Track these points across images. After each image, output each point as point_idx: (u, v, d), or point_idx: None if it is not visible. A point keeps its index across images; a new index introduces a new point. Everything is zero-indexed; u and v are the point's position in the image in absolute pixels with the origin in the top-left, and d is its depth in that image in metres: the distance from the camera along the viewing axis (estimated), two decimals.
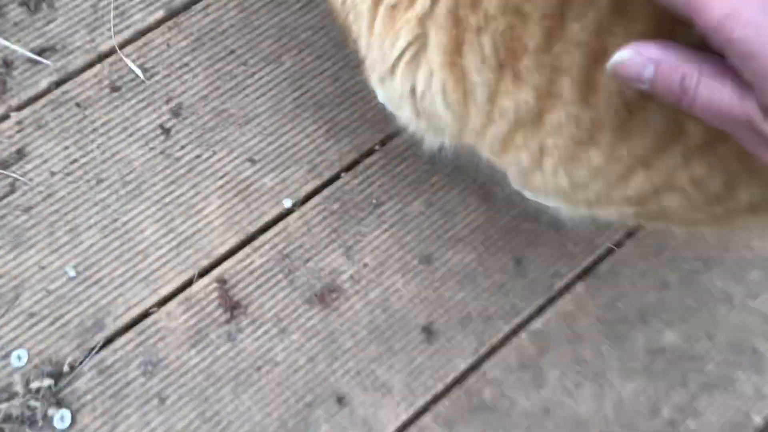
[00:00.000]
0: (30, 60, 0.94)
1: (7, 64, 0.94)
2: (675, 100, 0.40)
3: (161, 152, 0.95)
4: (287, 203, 0.95)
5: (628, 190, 0.56)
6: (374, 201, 0.96)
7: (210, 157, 0.96)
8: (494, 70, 0.54)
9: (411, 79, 0.62)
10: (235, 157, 0.96)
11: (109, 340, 0.88)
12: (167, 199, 0.94)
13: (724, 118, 0.37)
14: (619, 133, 0.51)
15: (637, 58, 0.41)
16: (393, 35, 0.59)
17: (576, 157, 0.55)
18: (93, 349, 0.87)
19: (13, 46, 0.92)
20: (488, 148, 0.64)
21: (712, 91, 0.38)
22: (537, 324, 0.94)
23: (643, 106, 0.48)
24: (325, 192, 0.97)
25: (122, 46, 0.96)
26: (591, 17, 0.45)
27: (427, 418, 0.89)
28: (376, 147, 0.98)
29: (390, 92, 0.67)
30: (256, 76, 0.98)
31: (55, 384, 0.85)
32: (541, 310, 0.94)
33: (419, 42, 0.57)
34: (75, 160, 0.93)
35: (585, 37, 0.47)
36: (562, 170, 0.58)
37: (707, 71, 0.38)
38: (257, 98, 0.98)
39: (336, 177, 0.97)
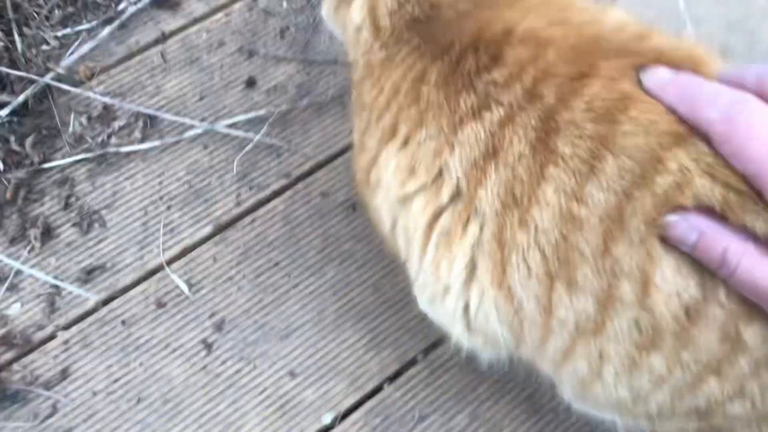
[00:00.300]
0: (79, 279, 0.96)
1: (57, 285, 0.96)
2: (714, 268, 0.45)
3: (202, 368, 0.95)
4: (327, 419, 0.93)
5: (696, 399, 0.55)
6: (417, 415, 0.94)
7: (251, 371, 0.95)
8: (544, 282, 0.55)
9: (465, 298, 0.64)
10: (276, 371, 0.96)
11: None
12: (206, 417, 0.92)
13: (761, 294, 0.43)
14: (681, 338, 0.51)
15: (683, 223, 0.46)
16: (448, 260, 0.62)
17: (637, 363, 0.55)
18: None
19: (55, 281, 0.94)
20: (548, 361, 0.63)
21: (755, 268, 0.43)
22: None
23: (701, 310, 0.49)
24: (367, 405, 0.94)
25: (170, 262, 0.99)
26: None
27: None
28: (419, 357, 0.97)
29: (442, 312, 0.68)
30: (300, 287, 1.00)
31: None
32: None
33: (472, 264, 0.60)
34: (117, 379, 0.93)
35: (643, 234, 0.49)
36: (624, 379, 0.57)
37: (752, 249, 0.43)
38: (299, 309, 0.99)
39: (378, 389, 0.95)
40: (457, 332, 0.70)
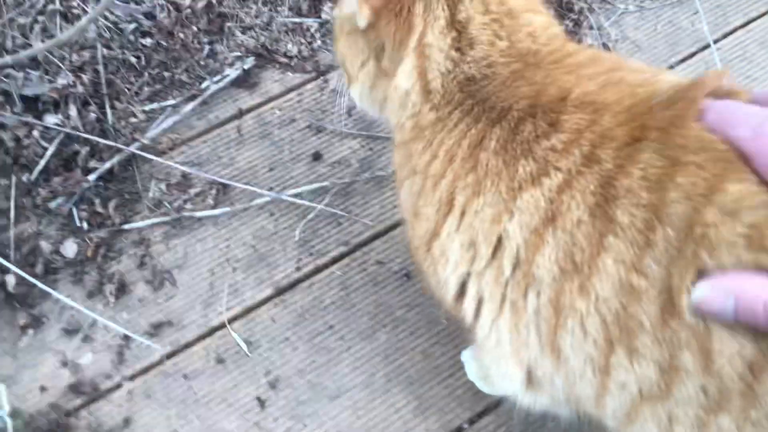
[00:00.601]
0: (147, 333, 1.02)
1: (127, 337, 1.02)
2: (763, 326, 0.44)
3: (255, 424, 0.98)
4: None
5: None
6: None
7: (301, 429, 0.98)
8: (602, 347, 0.57)
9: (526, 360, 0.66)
10: (325, 431, 0.98)
11: None
12: None
13: None
14: (748, 397, 0.51)
15: (716, 292, 0.45)
16: (513, 324, 0.64)
17: (707, 424, 0.55)
18: None
19: (125, 331, 1.01)
20: (611, 419, 0.64)
21: None
22: None
23: (764, 365, 0.49)
24: None
25: (232, 321, 1.04)
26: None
27: None
28: (465, 425, 0.98)
29: (506, 371, 0.70)
30: (352, 350, 1.03)
31: None
32: None
33: (536, 329, 0.63)
34: (175, 430, 0.97)
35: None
36: None
37: None
38: (351, 372, 1.02)
39: None
40: (518, 389, 0.71)
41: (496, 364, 0.71)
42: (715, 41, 1.26)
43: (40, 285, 0.96)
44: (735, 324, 0.48)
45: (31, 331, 1.02)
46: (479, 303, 0.67)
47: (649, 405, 0.58)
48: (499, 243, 0.62)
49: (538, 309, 0.61)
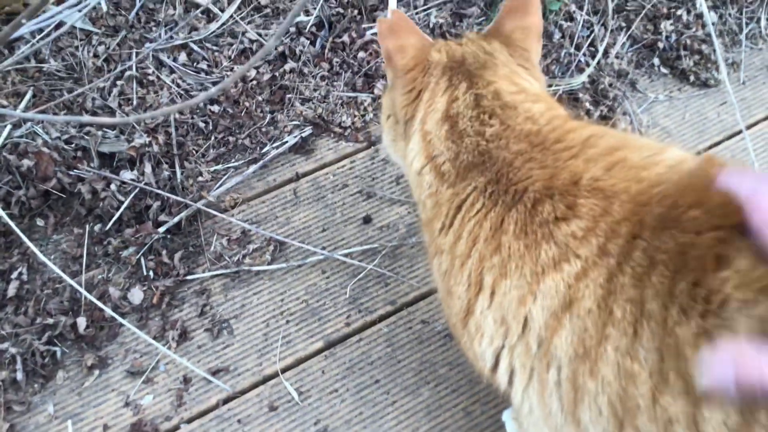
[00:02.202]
0: (205, 379, 1.08)
1: (186, 381, 1.09)
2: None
3: None
4: None
5: None
6: None
7: None
8: (613, 423, 0.62)
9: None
10: None
11: None
12: None
13: None
14: None
15: (718, 365, 0.46)
16: (543, 399, 0.69)
17: None
18: None
19: (194, 367, 1.07)
20: None
21: None
22: None
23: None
24: None
25: (284, 370, 1.10)
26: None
27: None
28: None
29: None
30: (396, 405, 1.09)
31: None
32: None
33: (558, 402, 0.68)
34: None
35: (684, 384, 0.55)
36: None
37: None
38: (395, 425, 1.07)
39: None
40: None
41: (534, 427, 0.76)
42: (740, 132, 1.35)
43: (117, 318, 1.02)
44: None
45: (97, 372, 1.09)
46: (512, 373, 0.72)
47: None
48: (525, 322, 0.67)
49: (559, 383, 0.66)
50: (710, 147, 1.37)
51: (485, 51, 0.82)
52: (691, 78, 1.43)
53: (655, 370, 0.57)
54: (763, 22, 1.51)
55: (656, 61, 1.45)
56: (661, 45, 1.45)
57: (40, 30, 1.34)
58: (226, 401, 1.08)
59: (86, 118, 1.08)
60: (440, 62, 0.83)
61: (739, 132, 1.36)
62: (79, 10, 1.38)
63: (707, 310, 0.54)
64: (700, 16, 1.46)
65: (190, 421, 1.06)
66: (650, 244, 0.60)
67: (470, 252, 0.72)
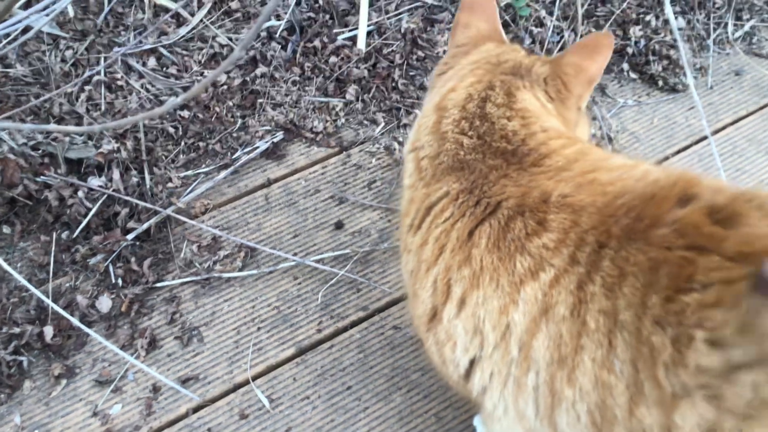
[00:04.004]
0: (175, 388, 1.07)
1: (156, 390, 1.08)
2: None
3: None
4: None
5: None
6: None
7: None
8: (592, 430, 0.63)
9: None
10: None
11: None
12: None
13: None
14: None
15: None
16: (517, 403, 0.71)
17: None
18: None
19: (161, 377, 1.06)
20: None
21: None
22: None
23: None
24: None
25: (255, 378, 1.10)
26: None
27: None
28: None
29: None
30: (368, 411, 1.09)
31: None
32: None
33: (534, 404, 0.69)
34: None
35: (659, 393, 0.56)
36: None
37: None
38: None
39: None
40: None
41: (507, 431, 0.77)
42: (707, 137, 1.37)
43: (84, 328, 1.01)
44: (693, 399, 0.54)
45: (64, 381, 1.07)
46: (489, 379, 0.73)
47: None
48: (507, 329, 0.68)
49: (537, 387, 0.67)
50: (678, 152, 1.39)
51: (525, 67, 0.83)
52: (660, 83, 1.45)
53: (631, 382, 0.58)
54: (730, 27, 1.54)
55: (625, 66, 1.47)
56: (630, 50, 1.47)
57: (7, 35, 1.32)
58: (196, 410, 1.07)
59: (52, 126, 1.07)
60: (483, 52, 0.85)
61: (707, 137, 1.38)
62: (47, 15, 1.36)
63: (681, 323, 0.55)
64: (668, 21, 1.48)
65: (159, 430, 1.05)
66: (617, 254, 0.61)
67: (436, 260, 0.73)
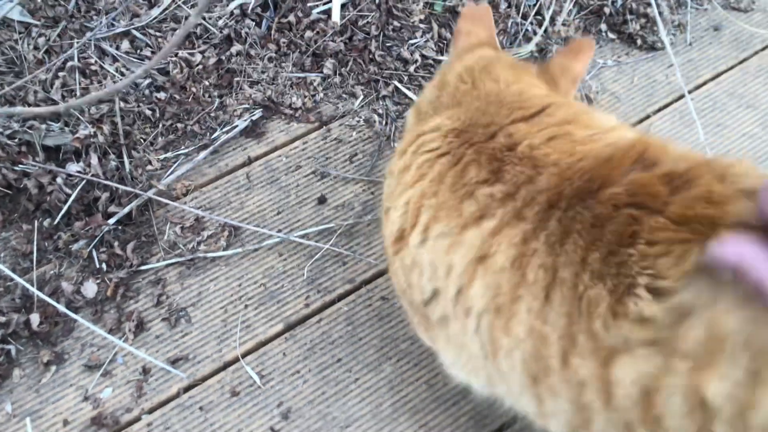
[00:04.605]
0: (165, 368, 1.07)
1: (146, 371, 1.08)
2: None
3: None
4: None
5: None
6: None
7: None
8: (528, 380, 0.65)
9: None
10: None
11: None
12: None
13: None
14: (650, 424, 0.57)
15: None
16: (464, 343, 0.73)
17: None
18: None
19: (151, 358, 1.06)
20: None
21: None
22: None
23: (654, 401, 0.55)
24: None
25: (244, 355, 1.10)
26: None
27: None
28: None
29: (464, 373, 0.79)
30: (359, 382, 1.09)
31: None
32: None
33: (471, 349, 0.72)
34: None
35: (594, 345, 0.57)
36: None
37: None
38: (359, 402, 1.07)
39: None
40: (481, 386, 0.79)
41: (463, 369, 0.78)
42: (689, 92, 1.37)
43: (70, 314, 1.01)
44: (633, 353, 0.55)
45: (53, 368, 1.07)
46: (443, 313, 0.74)
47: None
48: (450, 269, 0.70)
49: (478, 330, 0.69)
50: (659, 109, 1.38)
51: (519, 65, 0.89)
52: (638, 42, 1.44)
53: (565, 334, 0.59)
54: None
55: (603, 26, 1.46)
56: (607, 10, 1.46)
57: None
58: (187, 389, 1.07)
59: (19, 109, 1.06)
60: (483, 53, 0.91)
61: (689, 92, 1.37)
62: (21, 4, 1.34)
63: (622, 273, 0.55)
64: None
65: (151, 411, 1.05)
66: (564, 214, 0.62)
67: (414, 183, 0.75)
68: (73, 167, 1.17)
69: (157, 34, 1.36)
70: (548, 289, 0.61)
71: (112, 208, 1.18)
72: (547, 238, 0.62)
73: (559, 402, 0.63)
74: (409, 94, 1.35)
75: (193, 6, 1.39)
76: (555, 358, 0.61)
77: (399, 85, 1.35)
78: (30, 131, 1.20)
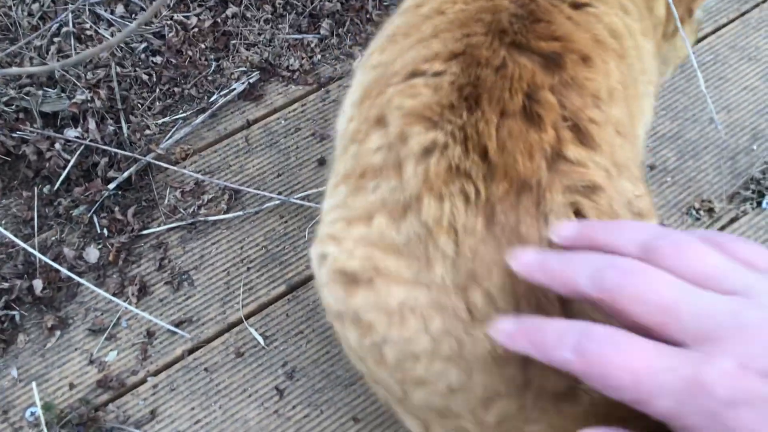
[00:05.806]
0: (169, 331, 1.08)
1: (150, 335, 1.08)
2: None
3: (274, 412, 1.04)
4: None
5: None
6: None
7: (318, 416, 1.04)
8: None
9: None
10: (340, 416, 1.04)
11: None
12: None
13: None
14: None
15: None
16: None
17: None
18: None
19: (156, 320, 1.07)
20: None
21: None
22: None
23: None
24: None
25: (248, 317, 1.10)
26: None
27: None
28: None
29: None
30: None
31: None
32: None
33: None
34: (198, 421, 1.03)
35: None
36: None
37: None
38: None
39: None
40: None
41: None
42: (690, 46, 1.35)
43: (74, 277, 1.01)
44: None
45: (58, 332, 1.08)
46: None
47: None
48: None
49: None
50: None
51: None
52: None
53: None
54: None
55: None
56: None
57: None
58: (191, 351, 1.08)
59: (14, 69, 1.05)
60: None
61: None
62: None
63: None
64: None
65: (156, 373, 1.06)
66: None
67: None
68: (71, 133, 1.16)
69: None
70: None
71: (111, 173, 1.18)
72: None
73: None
74: None
75: None
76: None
77: None
78: (27, 97, 1.19)
